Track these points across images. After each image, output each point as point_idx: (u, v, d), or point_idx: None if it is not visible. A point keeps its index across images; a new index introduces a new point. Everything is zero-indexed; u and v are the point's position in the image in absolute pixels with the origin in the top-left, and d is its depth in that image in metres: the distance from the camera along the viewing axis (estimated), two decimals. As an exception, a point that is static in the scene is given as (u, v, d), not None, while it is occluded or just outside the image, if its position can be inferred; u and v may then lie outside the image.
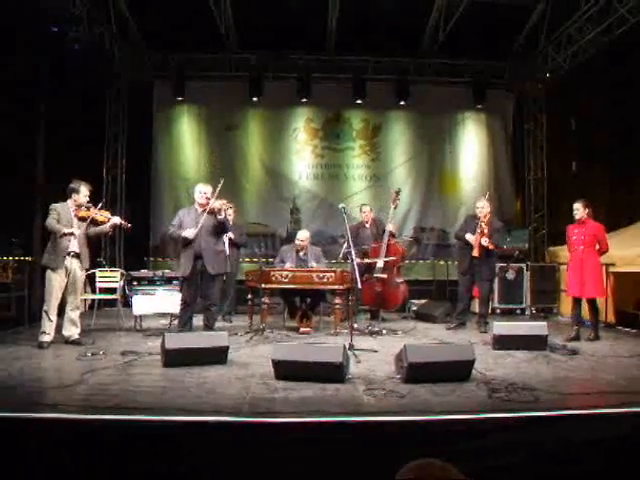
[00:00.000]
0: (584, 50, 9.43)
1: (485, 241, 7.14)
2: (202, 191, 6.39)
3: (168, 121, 11.05)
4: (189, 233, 6.20)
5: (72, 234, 5.90)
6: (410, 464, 1.67)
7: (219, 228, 6.43)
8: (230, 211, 7.78)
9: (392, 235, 7.98)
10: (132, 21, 9.60)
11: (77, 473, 3.04)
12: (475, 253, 7.25)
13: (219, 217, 6.31)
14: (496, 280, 9.40)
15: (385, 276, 7.71)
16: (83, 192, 6.03)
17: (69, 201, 6.03)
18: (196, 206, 6.44)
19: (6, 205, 8.41)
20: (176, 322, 6.73)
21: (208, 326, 6.39)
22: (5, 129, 8.28)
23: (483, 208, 7.34)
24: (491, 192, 11.24)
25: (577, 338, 6.48)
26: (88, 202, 6.09)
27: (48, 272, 5.90)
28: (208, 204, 6.32)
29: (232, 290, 8.38)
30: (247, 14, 9.26)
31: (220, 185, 6.41)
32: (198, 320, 6.67)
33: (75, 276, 5.99)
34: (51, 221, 5.88)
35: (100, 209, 6.16)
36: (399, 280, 7.94)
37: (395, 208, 8.11)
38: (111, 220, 6.16)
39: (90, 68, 9.19)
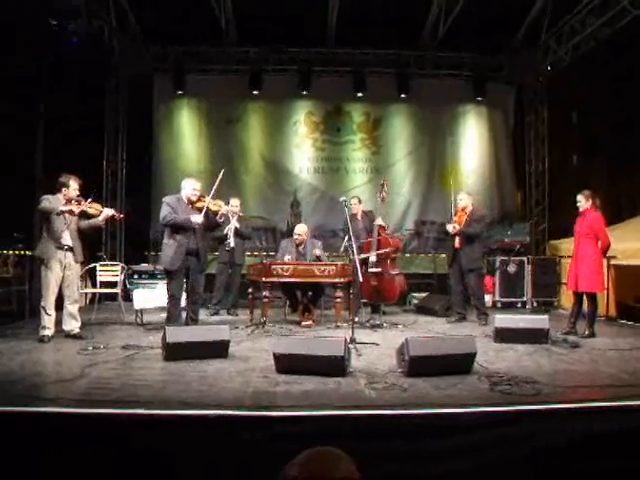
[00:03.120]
0: (586, 42, 9.39)
1: (452, 227, 7.36)
2: (196, 188, 6.33)
3: (168, 114, 11.04)
4: (197, 218, 6.13)
5: (71, 211, 5.83)
6: (298, 457, 1.57)
7: (209, 228, 6.49)
8: (236, 204, 7.85)
9: (382, 228, 7.90)
10: (131, 14, 9.56)
11: (78, 467, 3.04)
12: (456, 244, 7.40)
13: (219, 220, 6.41)
14: (497, 273, 9.45)
15: (379, 269, 7.68)
16: (73, 186, 5.97)
17: (59, 195, 5.97)
18: (184, 199, 6.33)
19: (6, 200, 8.39)
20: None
21: (194, 319, 6.39)
22: (4, 125, 8.26)
23: (461, 200, 7.59)
24: (492, 185, 11.31)
25: (572, 332, 6.42)
26: (78, 196, 6.04)
27: (43, 267, 5.86)
28: (200, 200, 6.29)
29: (238, 282, 8.30)
30: (247, 7, 9.22)
31: (221, 175, 6.40)
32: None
33: (70, 269, 5.97)
34: (44, 204, 5.80)
35: (91, 202, 6.10)
36: (394, 272, 7.85)
37: (382, 200, 7.98)
38: (103, 212, 6.09)
39: (89, 61, 9.15)
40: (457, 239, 7.38)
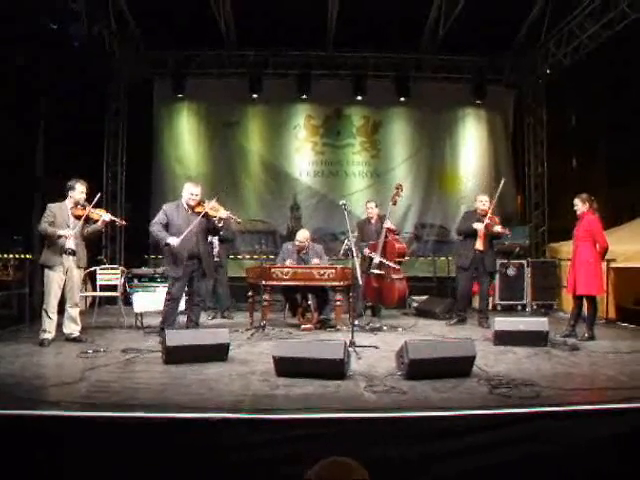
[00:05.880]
0: (585, 45, 9.40)
1: (499, 227, 7.21)
2: (193, 192, 6.29)
3: (168, 118, 11.06)
4: (174, 241, 6.05)
5: (67, 236, 5.87)
6: (313, 469, 1.62)
7: (212, 232, 6.52)
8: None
9: (392, 232, 7.87)
10: (131, 18, 9.57)
11: (78, 469, 3.04)
12: (479, 246, 7.26)
13: (218, 225, 6.35)
14: (497, 276, 9.42)
15: (382, 272, 7.67)
16: (79, 189, 6.00)
17: (67, 200, 6.02)
18: (184, 205, 6.33)
19: (6, 203, 8.40)
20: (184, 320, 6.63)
21: (194, 321, 6.37)
22: (5, 126, 8.28)
23: (487, 202, 7.42)
24: (491, 188, 11.28)
25: (572, 335, 6.41)
26: (85, 200, 6.07)
27: (46, 271, 5.89)
28: (199, 205, 6.29)
29: (225, 283, 8.29)
30: (246, 10, 9.23)
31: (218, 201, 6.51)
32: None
33: (72, 274, 5.99)
34: (43, 225, 5.84)
35: (95, 207, 6.12)
36: (395, 276, 7.79)
37: (394, 204, 7.95)
38: (101, 217, 6.10)
39: (90, 65, 9.17)
40: (479, 241, 7.25)
